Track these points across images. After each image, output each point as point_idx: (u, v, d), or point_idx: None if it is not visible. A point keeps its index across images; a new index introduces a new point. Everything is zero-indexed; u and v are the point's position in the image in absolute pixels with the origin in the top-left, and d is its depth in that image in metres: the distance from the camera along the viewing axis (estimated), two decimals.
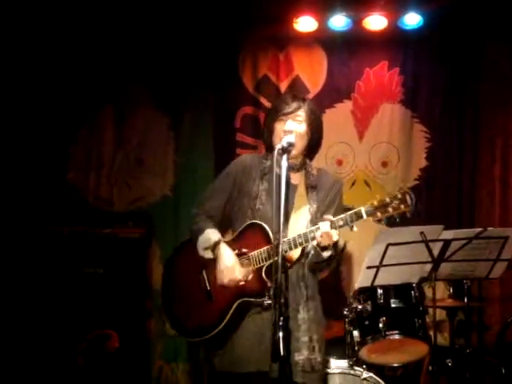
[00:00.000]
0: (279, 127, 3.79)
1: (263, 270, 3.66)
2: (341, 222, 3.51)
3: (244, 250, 3.75)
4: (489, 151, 6.23)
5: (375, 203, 3.45)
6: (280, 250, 3.33)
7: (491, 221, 6.00)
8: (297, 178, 3.89)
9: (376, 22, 6.16)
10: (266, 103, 6.38)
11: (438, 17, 6.12)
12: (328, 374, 4.42)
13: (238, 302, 3.72)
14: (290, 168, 3.75)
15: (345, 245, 4.08)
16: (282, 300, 3.27)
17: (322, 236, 3.52)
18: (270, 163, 3.84)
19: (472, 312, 5.51)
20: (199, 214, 3.92)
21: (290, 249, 3.62)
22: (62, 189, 6.43)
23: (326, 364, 4.05)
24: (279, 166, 3.48)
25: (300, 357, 3.71)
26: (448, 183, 6.29)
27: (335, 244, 3.63)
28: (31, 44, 6.18)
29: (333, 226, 3.52)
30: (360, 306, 4.69)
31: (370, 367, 4.65)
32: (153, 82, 6.54)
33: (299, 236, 3.60)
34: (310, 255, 3.78)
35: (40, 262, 5.73)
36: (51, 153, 6.39)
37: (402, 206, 3.42)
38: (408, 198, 3.41)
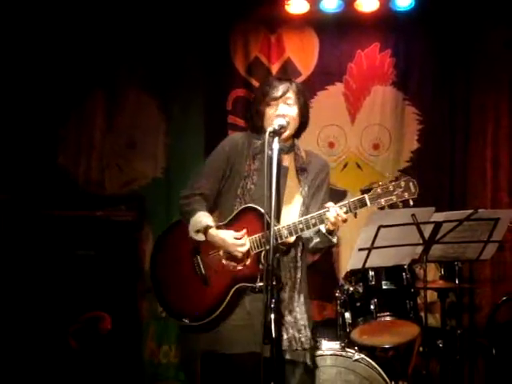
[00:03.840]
0: (270, 112, 3.78)
1: (262, 255, 3.63)
2: (344, 209, 3.51)
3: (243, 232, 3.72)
4: (480, 133, 6.25)
5: (379, 190, 3.45)
6: (272, 232, 3.34)
7: (482, 202, 6.02)
8: (287, 160, 3.88)
9: (368, 3, 6.15)
10: (258, 85, 6.36)
11: None
12: (319, 355, 4.44)
13: (236, 287, 3.70)
14: (281, 150, 3.76)
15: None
16: (274, 282, 3.29)
17: (331, 222, 3.52)
18: (262, 142, 3.83)
19: (463, 293, 5.55)
20: (192, 195, 3.87)
21: (291, 234, 3.62)
22: (52, 172, 6.41)
23: (314, 343, 4.06)
24: (271, 149, 3.48)
25: (289, 335, 3.74)
26: (440, 165, 6.30)
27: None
28: (21, 29, 6.14)
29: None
30: (351, 288, 4.72)
31: (362, 349, 4.67)
32: (143, 64, 6.52)
33: (300, 222, 3.60)
34: (315, 241, 3.78)
35: (32, 244, 5.72)
36: (41, 136, 6.36)
37: (406, 194, 3.44)
38: (412, 185, 3.42)
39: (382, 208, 3.54)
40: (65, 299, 5.62)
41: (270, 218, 3.36)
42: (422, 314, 4.62)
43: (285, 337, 3.74)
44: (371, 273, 4.69)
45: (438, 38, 6.30)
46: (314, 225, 3.58)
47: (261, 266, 3.58)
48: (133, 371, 5.81)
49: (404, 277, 4.72)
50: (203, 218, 3.77)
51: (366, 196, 3.49)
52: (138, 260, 6.14)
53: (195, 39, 6.39)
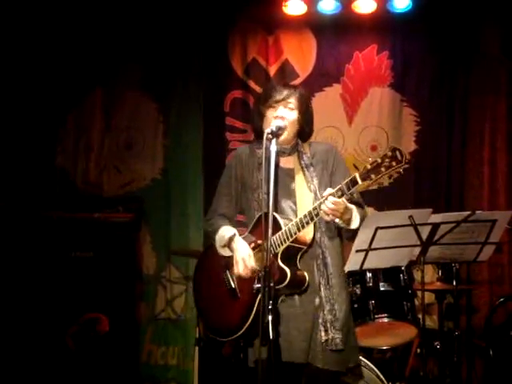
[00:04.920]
0: (270, 113, 3.79)
1: (279, 257, 3.62)
2: (339, 193, 3.49)
3: (259, 242, 3.71)
4: (478, 135, 6.24)
5: (368, 166, 3.43)
6: (270, 233, 3.34)
7: (480, 204, 6.02)
8: (290, 162, 3.88)
9: (365, 5, 6.15)
10: (255, 87, 6.38)
11: (427, 0, 6.11)
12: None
13: None
14: (281, 153, 3.78)
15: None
16: (271, 284, 3.28)
17: (330, 208, 3.50)
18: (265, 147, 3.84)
19: (460, 295, 5.54)
20: (211, 217, 3.96)
21: (299, 230, 3.60)
22: (50, 174, 6.41)
23: (351, 342, 3.83)
24: (268, 150, 3.49)
25: (323, 336, 3.66)
26: (437, 167, 6.30)
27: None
28: (21, 28, 6.14)
29: (335, 197, 3.51)
30: (349, 290, 4.71)
31: (360, 350, 4.66)
32: (141, 65, 6.53)
33: (304, 216, 3.59)
34: (335, 230, 3.78)
35: (30, 246, 5.72)
36: (40, 138, 6.37)
37: (394, 163, 3.38)
38: (398, 154, 3.38)
39: (373, 182, 3.49)
40: (63, 301, 5.62)
41: (268, 220, 3.37)
42: (420, 315, 4.61)
43: (324, 338, 3.65)
44: (369, 274, 4.70)
45: (435, 40, 6.30)
46: (317, 215, 3.57)
47: (287, 271, 3.57)
48: (130, 373, 5.81)
49: (401, 278, 4.73)
50: (226, 232, 3.82)
51: (357, 174, 3.45)
52: (135, 261, 6.14)
53: (193, 41, 6.40)
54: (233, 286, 3.79)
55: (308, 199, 3.76)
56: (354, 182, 3.46)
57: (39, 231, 5.78)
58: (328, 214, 3.53)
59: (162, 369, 6.36)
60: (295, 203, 3.78)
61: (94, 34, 6.36)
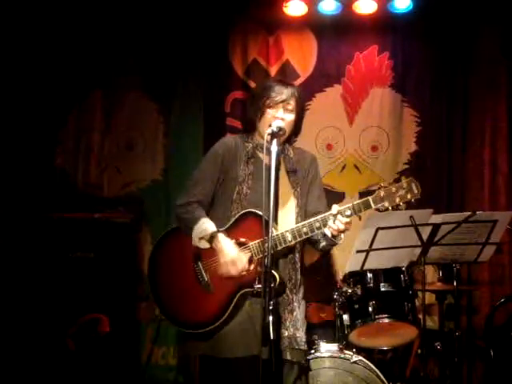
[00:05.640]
0: (269, 113, 3.79)
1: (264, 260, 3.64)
2: (348, 212, 3.52)
3: (242, 240, 3.72)
4: (478, 135, 6.24)
5: (382, 193, 3.46)
6: (270, 235, 3.34)
7: (481, 205, 6.02)
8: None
9: (366, 5, 6.16)
10: (260, 85, 6.35)
11: (427, 0, 6.11)
12: (317, 357, 4.45)
13: (241, 292, 3.70)
14: (281, 152, 3.81)
15: None
16: (273, 285, 3.30)
17: (340, 227, 3.54)
18: (254, 145, 3.84)
19: (461, 295, 5.54)
20: (190, 203, 3.86)
21: (295, 238, 3.62)
22: (51, 174, 6.41)
23: (308, 345, 4.07)
24: (268, 151, 3.49)
25: (289, 334, 3.77)
26: (438, 167, 6.30)
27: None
28: (21, 29, 6.14)
29: (343, 216, 3.53)
30: (350, 290, 4.72)
31: (360, 351, 4.68)
32: (142, 66, 6.52)
33: (303, 226, 3.60)
34: (322, 244, 3.80)
35: (30, 247, 5.72)
36: (40, 138, 6.37)
37: (409, 195, 3.45)
38: (414, 186, 3.45)
39: (385, 210, 3.54)
40: (63, 301, 5.61)
41: (269, 223, 3.36)
42: (420, 315, 4.61)
43: (286, 334, 3.77)
44: (369, 275, 4.69)
45: (436, 40, 6.30)
46: (318, 228, 3.58)
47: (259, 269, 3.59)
48: (131, 373, 5.81)
49: (402, 279, 4.72)
50: (207, 225, 3.77)
51: (370, 198, 3.50)
52: (136, 262, 6.14)
53: (194, 42, 6.39)
54: (206, 279, 3.77)
55: (291, 204, 3.78)
56: (366, 205, 3.50)
57: (40, 232, 5.77)
58: (335, 230, 3.56)
59: (163, 369, 6.36)
60: (277, 205, 3.75)
61: (95, 34, 6.35)
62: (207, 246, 3.75)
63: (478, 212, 4.20)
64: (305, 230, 3.59)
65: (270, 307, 3.22)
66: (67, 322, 5.60)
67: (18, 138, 6.23)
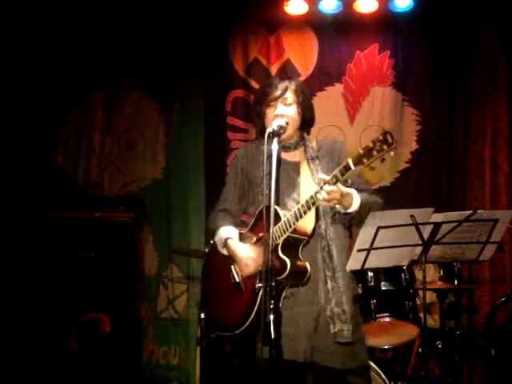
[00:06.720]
0: (270, 112, 3.80)
1: (279, 248, 3.62)
2: (334, 180, 3.49)
3: (261, 235, 3.72)
4: (479, 134, 6.24)
5: (360, 151, 3.43)
6: (271, 231, 3.35)
7: (481, 203, 6.01)
8: (296, 156, 3.89)
9: (367, 4, 6.16)
10: (257, 86, 6.35)
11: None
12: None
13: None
14: (287, 148, 3.82)
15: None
16: (273, 283, 3.29)
17: (328, 196, 3.50)
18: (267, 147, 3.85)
19: (462, 294, 5.55)
20: (215, 212, 4.00)
21: (297, 219, 3.59)
22: (51, 174, 6.42)
23: (359, 336, 3.78)
24: (270, 150, 3.50)
25: (331, 329, 3.64)
26: (438, 166, 6.30)
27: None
28: (22, 30, 6.15)
29: (330, 184, 3.51)
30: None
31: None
32: (142, 66, 6.53)
33: (302, 205, 3.59)
34: (347, 219, 3.77)
35: (31, 246, 5.73)
36: (41, 138, 6.38)
37: (385, 147, 3.39)
38: (389, 137, 3.40)
39: (372, 168, 3.49)
40: (64, 301, 5.62)
41: (269, 215, 3.38)
42: (421, 314, 4.60)
43: (333, 330, 3.63)
44: (370, 274, 4.70)
45: (436, 39, 6.30)
46: (313, 204, 3.56)
47: (287, 261, 3.56)
48: (132, 372, 5.82)
49: (403, 278, 4.72)
50: (223, 233, 3.86)
51: (349, 159, 3.47)
52: (137, 261, 6.15)
53: (195, 41, 6.40)
54: (237, 279, 3.80)
55: (312, 191, 3.76)
56: (347, 168, 3.46)
57: (41, 231, 5.78)
58: (327, 201, 3.54)
59: (164, 368, 6.37)
60: (299, 195, 3.77)
61: (95, 34, 6.36)
62: (226, 252, 3.85)
63: (478, 211, 4.19)
64: (303, 208, 3.59)
65: (271, 306, 3.21)
66: (68, 322, 5.60)
67: (20, 137, 6.25)
